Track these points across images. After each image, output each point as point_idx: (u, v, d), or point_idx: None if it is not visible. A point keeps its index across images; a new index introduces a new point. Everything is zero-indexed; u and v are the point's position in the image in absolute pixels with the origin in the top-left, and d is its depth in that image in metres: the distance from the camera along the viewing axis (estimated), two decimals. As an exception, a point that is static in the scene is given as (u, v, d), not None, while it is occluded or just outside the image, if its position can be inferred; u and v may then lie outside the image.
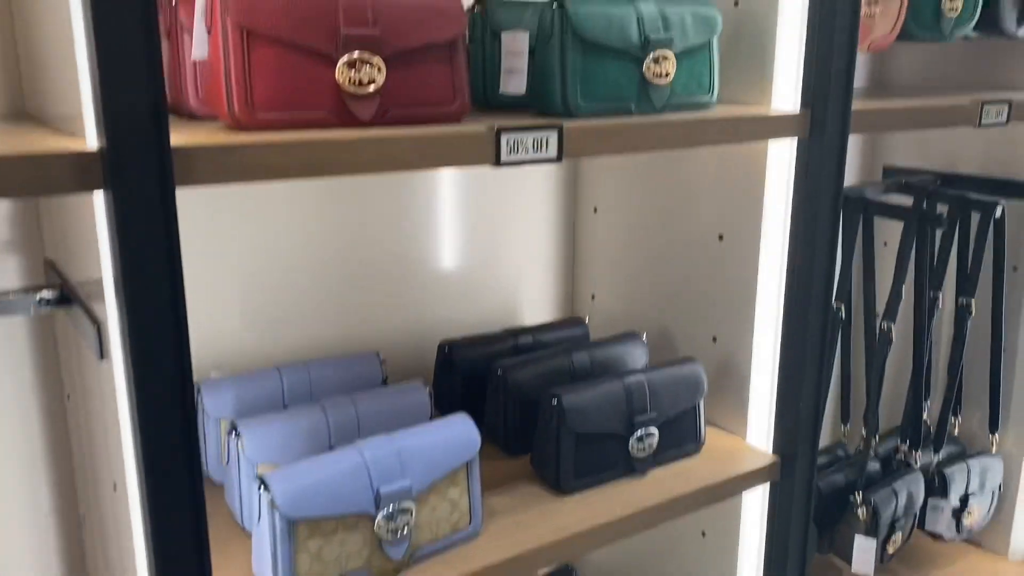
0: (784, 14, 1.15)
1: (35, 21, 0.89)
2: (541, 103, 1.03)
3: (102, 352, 0.81)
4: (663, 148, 1.01)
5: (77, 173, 0.67)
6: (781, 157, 1.18)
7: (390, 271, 1.37)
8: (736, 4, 1.19)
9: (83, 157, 0.67)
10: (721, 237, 1.28)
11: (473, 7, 1.13)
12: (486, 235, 1.46)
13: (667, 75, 1.05)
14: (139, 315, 0.70)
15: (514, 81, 1.03)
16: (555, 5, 0.99)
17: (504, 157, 0.88)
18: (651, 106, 1.06)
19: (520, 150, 0.89)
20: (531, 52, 1.03)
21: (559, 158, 0.92)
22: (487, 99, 1.13)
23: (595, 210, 1.52)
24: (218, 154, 0.72)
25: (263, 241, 1.24)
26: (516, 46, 1.03)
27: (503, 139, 0.88)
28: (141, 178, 0.68)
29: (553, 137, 0.91)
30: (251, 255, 1.23)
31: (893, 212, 1.55)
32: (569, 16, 0.98)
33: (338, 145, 0.78)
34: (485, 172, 1.42)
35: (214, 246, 1.20)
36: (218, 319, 1.22)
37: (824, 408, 1.33)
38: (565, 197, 1.54)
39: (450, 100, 0.93)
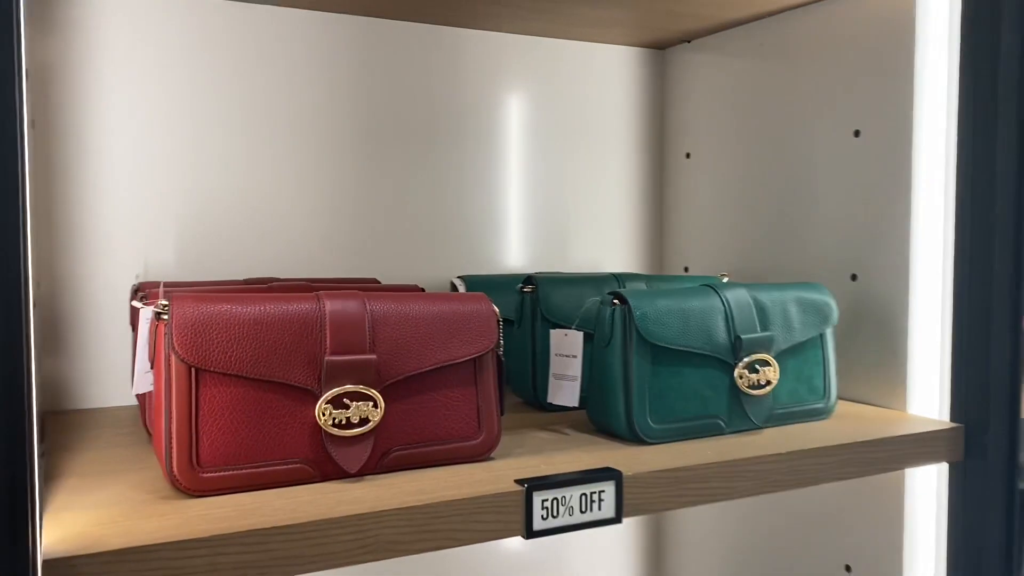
0: (917, 290, 0.90)
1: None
2: (601, 420, 0.80)
3: None
4: (768, 492, 0.75)
5: None
6: (927, 478, 0.89)
7: (426, 583, 1.11)
8: (854, 278, 0.96)
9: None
10: (849, 568, 0.97)
11: (522, 287, 0.93)
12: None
13: (767, 384, 0.81)
14: None
15: (564, 392, 0.81)
16: (614, 300, 0.78)
17: (538, 524, 0.64)
18: (748, 422, 0.81)
19: (562, 512, 0.65)
20: (587, 337, 0.82)
21: (618, 519, 0.67)
22: (538, 397, 0.91)
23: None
24: (107, 566, 0.51)
25: None
26: (566, 347, 0.81)
27: (536, 500, 0.64)
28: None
29: (609, 491, 0.67)
30: None
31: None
32: (634, 316, 0.76)
33: (294, 535, 0.56)
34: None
35: None
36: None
37: None
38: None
39: (472, 432, 0.70)
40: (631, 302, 0.77)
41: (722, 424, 0.80)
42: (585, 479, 0.66)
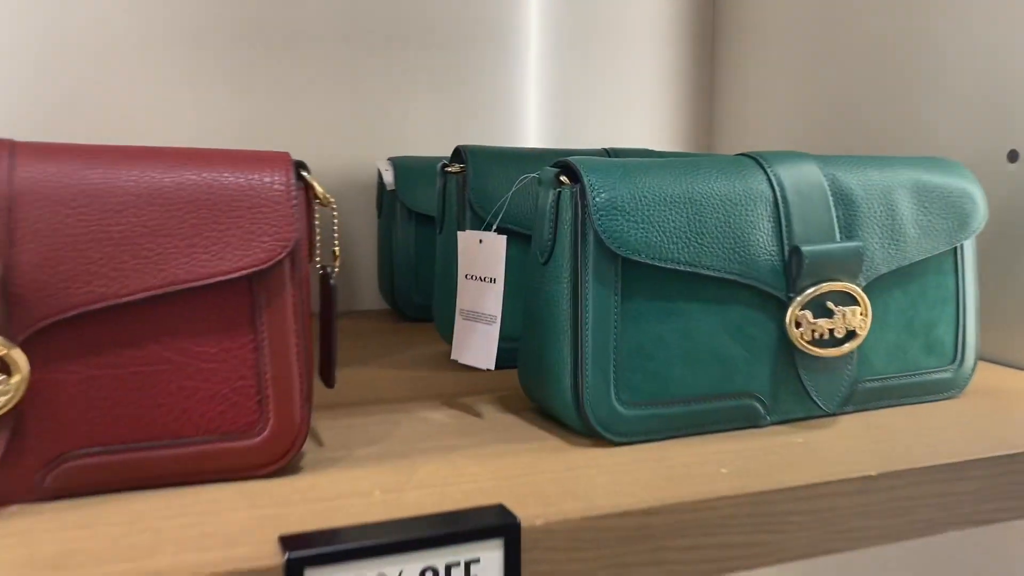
0: None
1: None
2: (537, 393, 0.44)
3: None
4: (832, 552, 0.39)
5: None
6: None
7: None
8: (1012, 158, 0.56)
9: None
10: (972, 628, 0.61)
11: (444, 166, 0.57)
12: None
13: (850, 337, 0.44)
14: None
15: (475, 344, 0.45)
16: (560, 177, 0.41)
17: (321, 636, 0.30)
18: (809, 405, 0.45)
19: (381, 606, 0.31)
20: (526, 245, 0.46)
21: (509, 615, 0.32)
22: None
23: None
24: None
25: None
26: (481, 264, 0.45)
27: (313, 590, 0.29)
28: None
29: (491, 562, 0.32)
30: None
31: None
32: (590, 206, 0.40)
33: None
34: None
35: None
36: None
37: None
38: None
39: (248, 422, 0.36)
40: (587, 180, 0.40)
41: (760, 408, 0.44)
42: (431, 541, 0.31)
